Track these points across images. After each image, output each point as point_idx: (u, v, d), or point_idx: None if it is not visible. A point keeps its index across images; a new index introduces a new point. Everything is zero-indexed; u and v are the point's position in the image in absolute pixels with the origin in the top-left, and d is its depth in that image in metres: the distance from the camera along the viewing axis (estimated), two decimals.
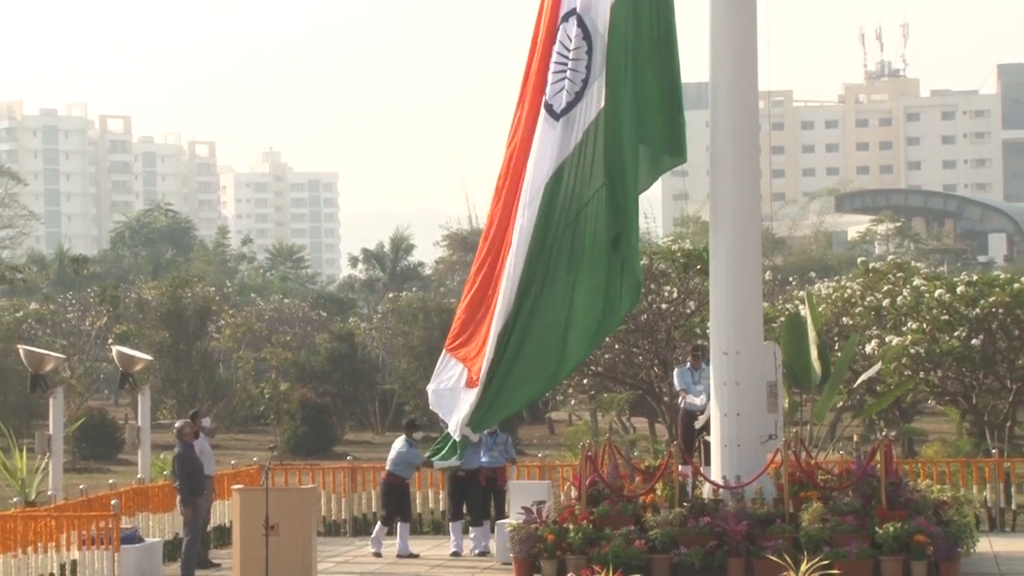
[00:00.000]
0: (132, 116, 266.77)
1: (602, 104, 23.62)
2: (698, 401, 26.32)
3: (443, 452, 24.30)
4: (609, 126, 23.46)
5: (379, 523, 27.03)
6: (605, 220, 23.33)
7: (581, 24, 23.80)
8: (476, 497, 26.68)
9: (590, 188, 23.58)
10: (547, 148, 23.89)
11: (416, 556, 26.03)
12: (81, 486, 27.58)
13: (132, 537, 23.19)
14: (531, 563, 22.93)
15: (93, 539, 21.65)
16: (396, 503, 26.87)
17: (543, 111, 24.12)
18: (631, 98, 23.36)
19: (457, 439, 23.91)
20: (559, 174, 23.72)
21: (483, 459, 26.54)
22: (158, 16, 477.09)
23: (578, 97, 23.77)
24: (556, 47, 23.91)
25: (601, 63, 23.64)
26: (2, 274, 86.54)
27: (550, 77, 24.01)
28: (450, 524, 27.12)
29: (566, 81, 23.77)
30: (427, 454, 25.16)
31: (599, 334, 24.33)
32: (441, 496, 29.18)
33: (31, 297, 77.48)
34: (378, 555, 26.31)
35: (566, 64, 23.77)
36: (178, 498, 24.42)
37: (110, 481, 29.58)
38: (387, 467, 27.06)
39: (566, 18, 23.88)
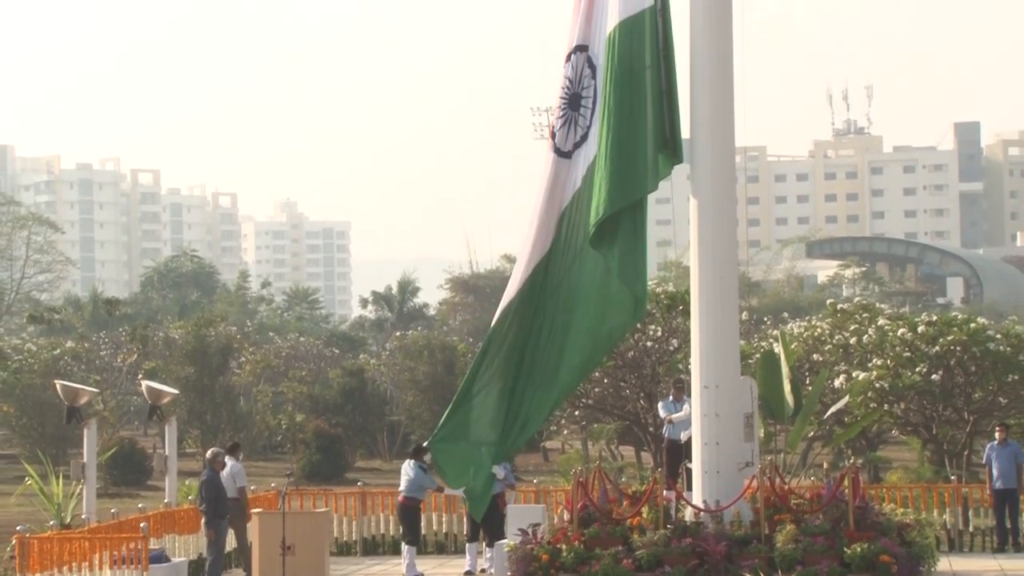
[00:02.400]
0: (161, 169, 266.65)
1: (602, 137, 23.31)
2: (680, 418, 26.25)
3: (477, 492, 23.86)
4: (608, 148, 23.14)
5: (406, 545, 26.41)
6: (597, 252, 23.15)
7: (590, 64, 23.56)
8: (493, 520, 26.38)
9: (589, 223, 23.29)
10: (557, 186, 23.65)
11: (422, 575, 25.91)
12: (112, 510, 27.53)
13: (159, 557, 23.12)
14: None
15: (124, 559, 21.60)
16: (415, 524, 26.77)
17: (552, 149, 23.77)
18: (631, 109, 22.79)
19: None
20: (568, 209, 23.52)
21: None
22: (184, 79, 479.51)
23: (587, 134, 23.49)
24: (563, 81, 23.38)
25: (601, 98, 23.42)
26: (41, 315, 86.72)
27: (556, 112, 23.77)
28: (467, 544, 26.84)
29: (578, 117, 23.47)
30: (458, 488, 24.57)
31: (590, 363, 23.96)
32: (444, 519, 29.12)
33: (67, 336, 77.41)
34: None
35: (578, 100, 23.34)
36: (203, 520, 24.38)
37: (139, 505, 29.53)
38: (403, 492, 26.76)
39: (569, 56, 23.36)
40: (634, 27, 23.05)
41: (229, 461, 25.61)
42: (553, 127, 23.79)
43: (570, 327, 23.40)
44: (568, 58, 23.53)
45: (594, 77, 23.24)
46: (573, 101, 23.45)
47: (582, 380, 23.92)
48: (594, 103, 23.24)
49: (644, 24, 23.07)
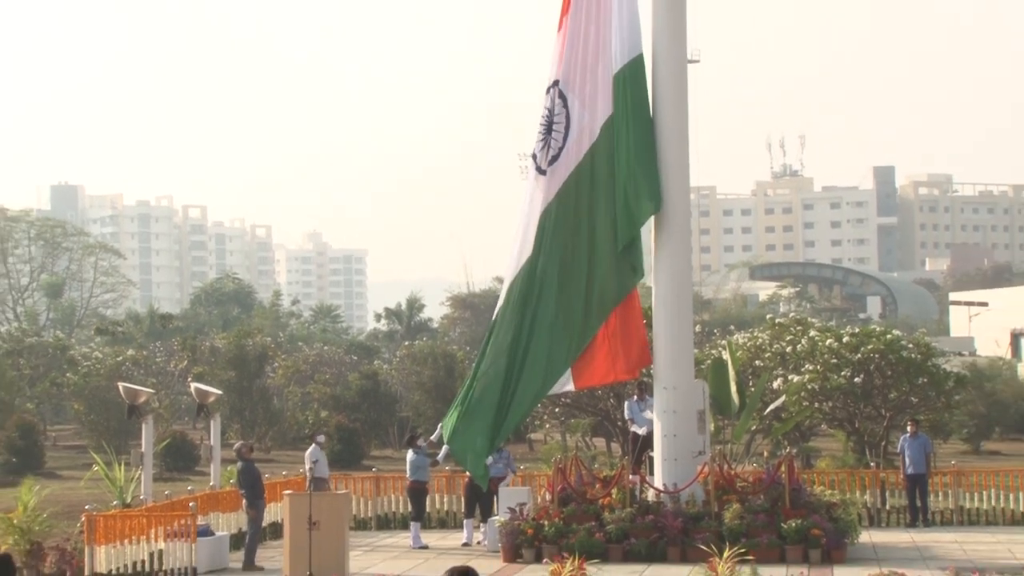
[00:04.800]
0: (207, 205, 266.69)
1: (579, 159, 23.56)
2: (641, 431, 26.24)
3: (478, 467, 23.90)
4: (597, 179, 23.36)
5: (412, 521, 26.38)
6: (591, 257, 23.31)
7: (561, 95, 23.79)
8: (487, 499, 26.23)
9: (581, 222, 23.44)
10: (537, 198, 23.82)
11: (426, 547, 25.87)
12: (166, 492, 27.51)
13: (206, 531, 23.08)
14: (515, 551, 22.86)
15: (175, 533, 21.56)
16: (421, 503, 26.70)
17: (531, 163, 24.05)
18: (622, 158, 23.21)
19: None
20: (548, 210, 23.65)
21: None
22: (226, 129, 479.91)
23: (559, 154, 23.70)
24: (543, 111, 23.74)
25: (578, 126, 23.58)
26: (106, 328, 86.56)
27: (537, 136, 23.98)
28: (464, 520, 26.76)
29: (551, 140, 23.73)
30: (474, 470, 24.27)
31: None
32: (446, 499, 29.07)
33: (128, 345, 77.20)
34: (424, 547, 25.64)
35: (551, 127, 23.62)
36: (243, 502, 24.32)
37: (188, 488, 29.42)
38: (409, 476, 26.73)
39: (548, 90, 23.78)
40: (636, 72, 23.33)
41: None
42: (535, 149, 24.00)
43: (557, 318, 23.34)
44: (548, 91, 23.84)
45: (565, 106, 23.59)
46: (548, 127, 23.78)
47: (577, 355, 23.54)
48: (566, 128, 23.62)
49: (640, 71, 23.39)
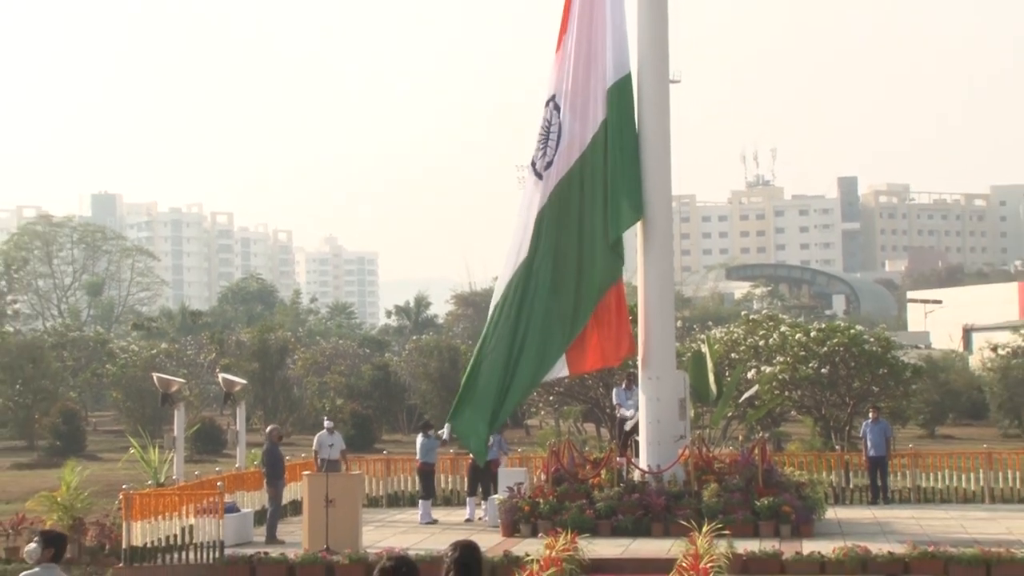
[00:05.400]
0: (234, 212, 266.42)
1: (571, 165, 23.59)
2: (628, 414, 26.23)
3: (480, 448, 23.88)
4: (587, 184, 23.37)
5: (421, 499, 26.31)
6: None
7: (556, 107, 23.81)
8: (487, 479, 26.24)
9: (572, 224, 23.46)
10: (534, 202, 23.85)
11: (435, 522, 25.84)
12: (196, 472, 27.51)
13: (232, 508, 23.04)
14: (513, 526, 22.83)
15: (204, 509, 21.53)
16: (430, 483, 26.68)
17: (529, 170, 24.11)
18: (610, 168, 23.27)
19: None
20: (543, 211, 23.67)
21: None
22: (251, 140, 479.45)
23: (552, 160, 23.75)
24: (542, 121, 23.82)
25: (568, 134, 23.56)
26: (142, 323, 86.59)
27: (536, 143, 24.04)
28: (467, 498, 26.68)
29: (547, 148, 23.78)
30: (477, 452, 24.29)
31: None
32: (450, 479, 29.03)
33: (162, 339, 77.17)
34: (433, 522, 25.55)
35: (547, 136, 23.66)
36: (265, 481, 24.29)
37: (216, 468, 29.43)
38: (419, 458, 26.68)
39: (547, 103, 23.84)
40: (624, 90, 23.36)
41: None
42: (534, 157, 24.03)
43: (550, 311, 23.31)
44: (546, 104, 23.88)
45: (559, 117, 23.60)
46: (545, 137, 23.80)
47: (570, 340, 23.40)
48: (559, 137, 23.59)
49: (628, 89, 23.42)
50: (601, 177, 23.33)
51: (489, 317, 23.87)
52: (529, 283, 23.43)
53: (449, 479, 29.11)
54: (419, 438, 26.90)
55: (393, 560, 5.14)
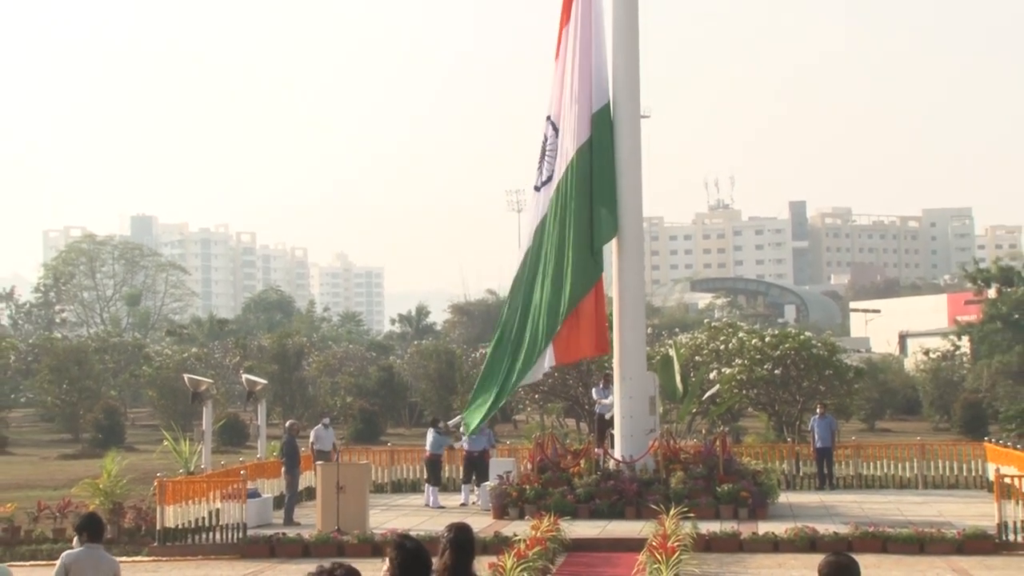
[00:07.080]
0: (256, 232, 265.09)
1: (560, 177, 23.35)
2: (606, 402, 26.16)
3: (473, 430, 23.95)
4: (573, 200, 23.20)
5: (429, 486, 26.12)
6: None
7: (553, 127, 23.76)
8: (480, 468, 26.17)
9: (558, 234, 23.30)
10: (537, 209, 23.79)
11: (444, 508, 25.33)
12: (222, 462, 27.37)
13: (254, 494, 22.94)
14: (502, 510, 22.76)
15: (229, 495, 21.45)
16: (437, 472, 26.61)
17: (533, 187, 24.00)
18: (594, 184, 23.19)
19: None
20: (542, 223, 23.62)
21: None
22: (272, 164, 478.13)
23: (552, 174, 23.67)
24: (542, 138, 23.69)
25: (562, 151, 23.43)
26: (174, 330, 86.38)
27: (537, 159, 23.94)
28: (462, 485, 26.55)
29: (545, 163, 23.71)
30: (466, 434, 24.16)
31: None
32: (448, 468, 28.93)
33: (192, 344, 76.97)
34: (441, 507, 25.32)
35: (545, 154, 23.59)
36: (283, 470, 24.19)
37: (240, 459, 29.37)
38: (428, 450, 26.43)
39: (548, 118, 23.73)
40: (603, 120, 23.32)
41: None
42: (537, 169, 23.98)
43: (545, 306, 23.25)
44: (547, 119, 23.83)
45: (556, 137, 23.48)
46: (543, 153, 23.75)
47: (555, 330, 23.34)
48: (555, 155, 23.46)
49: (606, 120, 23.37)
50: (586, 188, 23.24)
51: (499, 322, 23.96)
52: (532, 288, 23.52)
53: (446, 468, 29.02)
54: (430, 433, 26.80)
55: (340, 569, 5.12)
